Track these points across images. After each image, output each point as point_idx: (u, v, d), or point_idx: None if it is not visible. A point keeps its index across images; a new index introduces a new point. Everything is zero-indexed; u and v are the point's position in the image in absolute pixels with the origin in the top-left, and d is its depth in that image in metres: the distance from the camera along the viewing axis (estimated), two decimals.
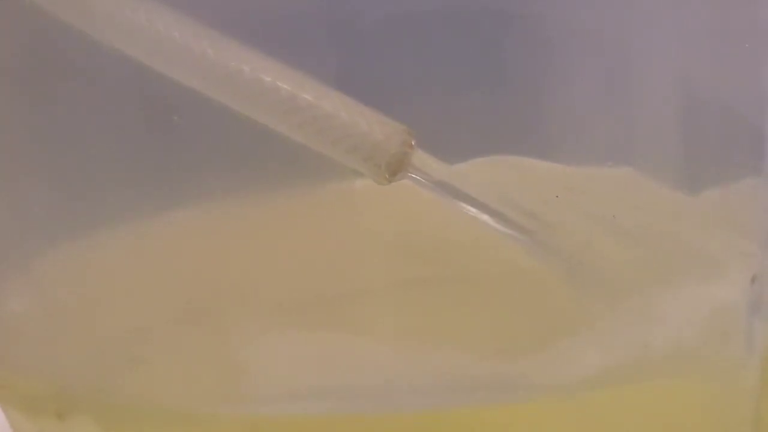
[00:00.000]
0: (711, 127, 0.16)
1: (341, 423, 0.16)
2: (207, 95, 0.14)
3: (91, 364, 0.17)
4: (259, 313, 0.16)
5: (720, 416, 0.17)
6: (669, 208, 0.16)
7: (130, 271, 0.17)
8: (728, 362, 0.17)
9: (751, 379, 0.17)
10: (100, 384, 0.17)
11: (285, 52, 0.14)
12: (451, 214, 0.15)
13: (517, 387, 0.16)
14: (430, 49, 0.15)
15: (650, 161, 0.16)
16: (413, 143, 0.14)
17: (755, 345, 0.16)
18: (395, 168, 0.14)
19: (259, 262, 0.16)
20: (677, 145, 0.16)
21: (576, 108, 0.15)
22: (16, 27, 0.15)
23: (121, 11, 0.14)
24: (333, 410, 0.16)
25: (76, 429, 0.18)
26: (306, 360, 0.16)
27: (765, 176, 0.16)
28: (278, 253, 0.16)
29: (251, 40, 0.14)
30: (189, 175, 0.16)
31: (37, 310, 0.18)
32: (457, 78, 0.15)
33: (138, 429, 0.17)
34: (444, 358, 0.16)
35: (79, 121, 0.16)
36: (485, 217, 0.14)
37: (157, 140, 0.16)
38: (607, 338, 0.16)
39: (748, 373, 0.17)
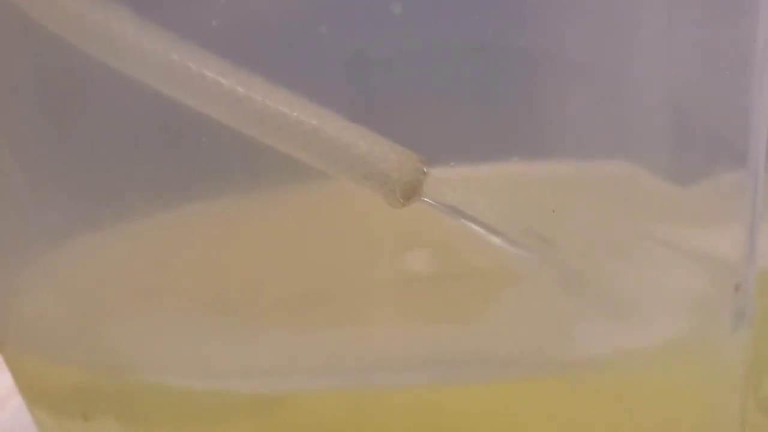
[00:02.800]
0: (698, 134, 0.17)
1: (345, 399, 0.17)
2: (237, 128, 0.14)
3: (110, 351, 0.18)
4: (264, 305, 0.17)
5: (707, 415, 0.18)
6: (661, 202, 0.17)
7: (140, 263, 0.17)
8: (714, 362, 0.17)
9: (737, 380, 0.17)
10: (119, 370, 0.17)
11: (300, 81, 0.15)
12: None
13: (506, 367, 0.16)
14: (433, 73, 0.15)
15: (641, 158, 0.16)
16: (425, 170, 0.15)
17: (740, 351, 0.17)
18: (409, 193, 0.15)
19: (265, 257, 0.17)
20: (667, 145, 0.16)
21: (571, 119, 0.16)
22: (36, 43, 0.16)
23: (148, 47, 0.14)
24: (334, 388, 0.16)
25: (101, 430, 0.18)
26: (307, 346, 0.16)
27: (745, 188, 0.17)
28: (282, 249, 0.17)
29: (267, 71, 0.14)
30: (198, 174, 0.16)
31: (57, 301, 0.18)
32: (457, 90, 0.15)
33: (159, 429, 0.18)
34: (439, 342, 0.16)
35: (99, 127, 0.16)
36: (493, 239, 0.15)
37: (169, 144, 0.16)
38: (593, 328, 0.16)
39: (733, 375, 0.17)
